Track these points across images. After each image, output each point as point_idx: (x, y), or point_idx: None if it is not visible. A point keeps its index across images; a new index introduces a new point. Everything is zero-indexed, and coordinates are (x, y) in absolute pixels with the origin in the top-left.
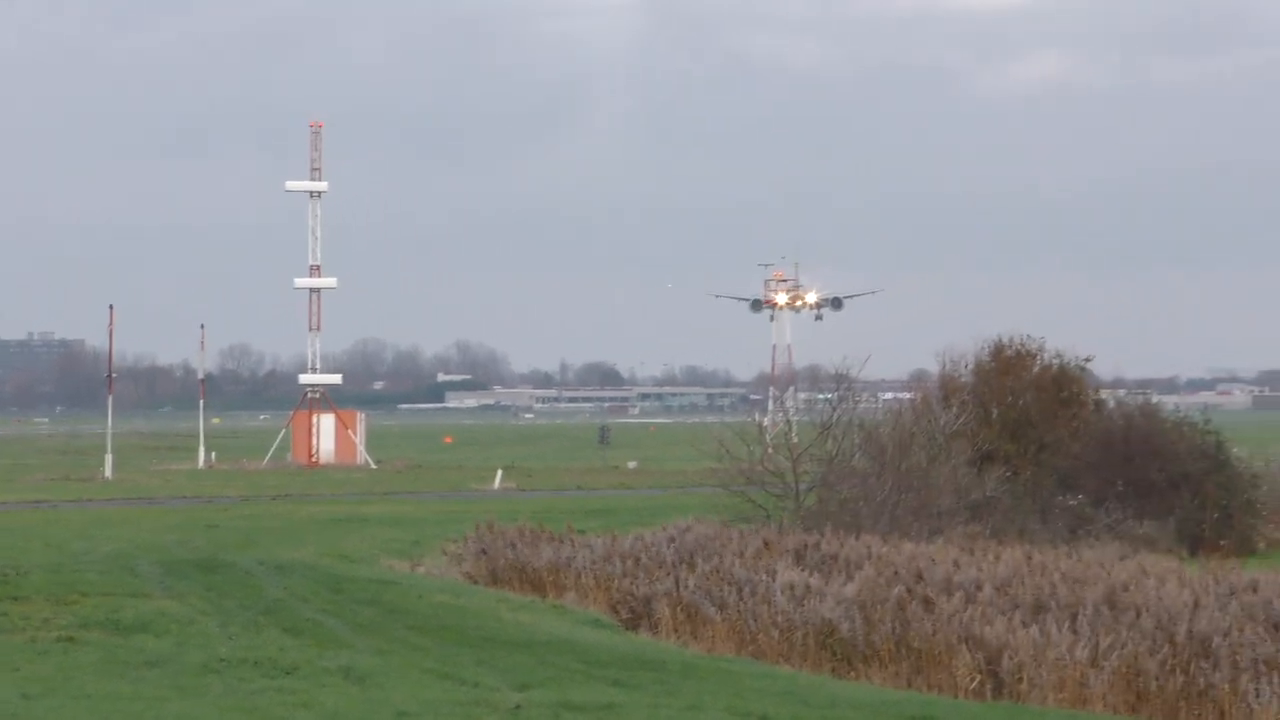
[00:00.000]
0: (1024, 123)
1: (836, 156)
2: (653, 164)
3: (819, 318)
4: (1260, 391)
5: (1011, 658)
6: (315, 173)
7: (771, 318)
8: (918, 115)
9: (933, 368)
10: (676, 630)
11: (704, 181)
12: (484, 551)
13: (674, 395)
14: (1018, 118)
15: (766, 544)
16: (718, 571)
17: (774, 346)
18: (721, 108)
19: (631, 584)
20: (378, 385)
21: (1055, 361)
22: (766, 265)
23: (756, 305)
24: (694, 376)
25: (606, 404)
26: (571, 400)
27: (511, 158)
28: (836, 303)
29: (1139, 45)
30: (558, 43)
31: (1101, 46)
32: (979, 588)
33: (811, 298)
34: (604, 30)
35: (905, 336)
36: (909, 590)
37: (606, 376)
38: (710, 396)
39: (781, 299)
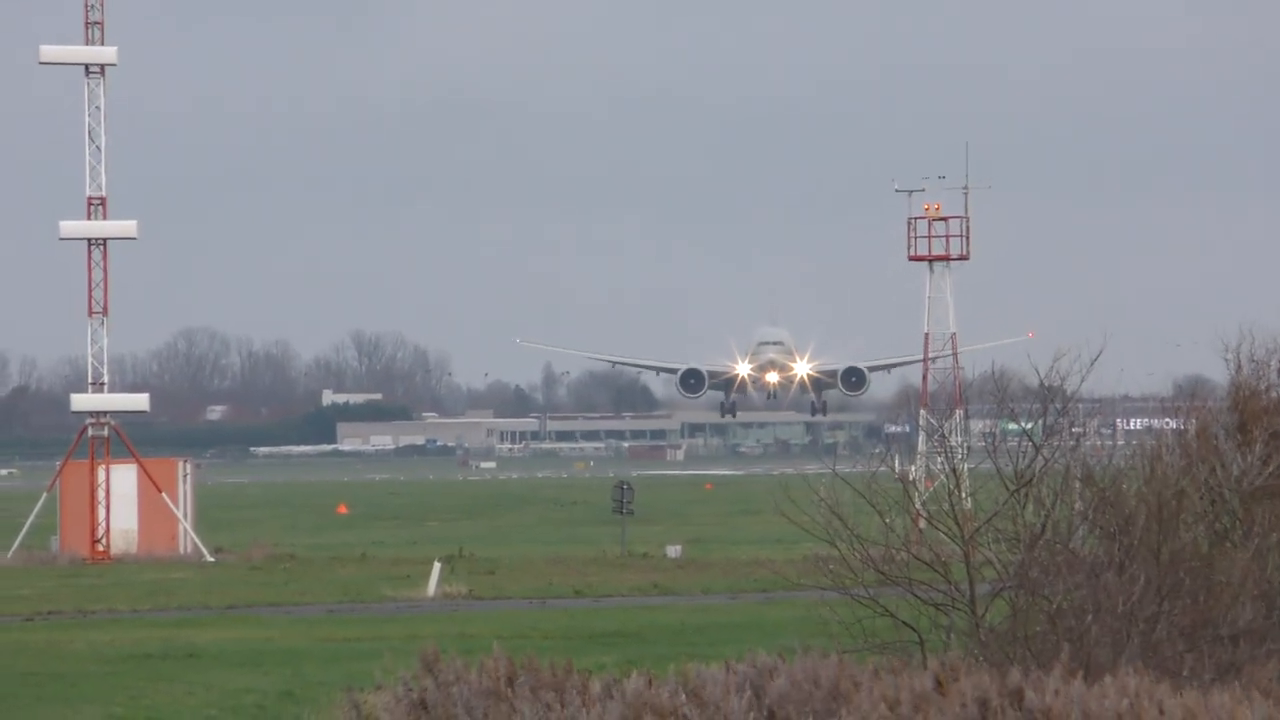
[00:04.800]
0: None
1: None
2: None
3: (819, 409)
4: None
5: None
6: (93, 30)
7: (726, 406)
8: None
9: (1217, 374)
10: None
11: (757, 53)
12: (423, 707)
13: (747, 426)
14: None
15: (940, 683)
16: None
17: (926, 335)
18: None
19: None
20: (214, 413)
21: None
22: (910, 192)
23: (693, 381)
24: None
25: (627, 442)
26: (564, 436)
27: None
28: (854, 378)
29: None
30: None
31: None
32: None
33: (804, 369)
34: None
35: (1162, 311)
36: None
37: (626, 394)
38: (812, 427)
39: (743, 369)
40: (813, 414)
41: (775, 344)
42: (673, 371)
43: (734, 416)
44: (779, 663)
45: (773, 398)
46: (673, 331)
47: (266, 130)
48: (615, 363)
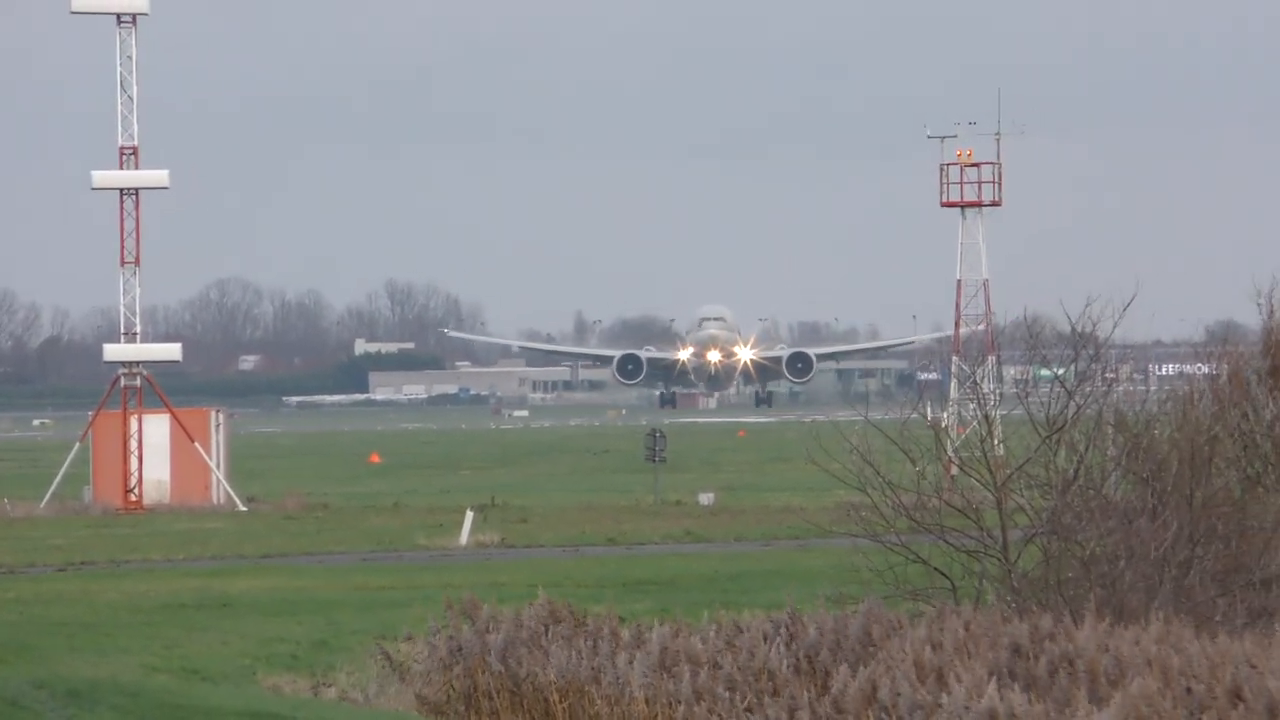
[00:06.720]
0: None
1: None
2: None
3: (764, 400)
4: None
5: None
6: None
7: (666, 396)
8: None
9: (1249, 318)
10: None
11: None
12: (459, 654)
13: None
14: None
15: (967, 629)
16: (870, 689)
17: (958, 282)
18: None
19: (712, 714)
20: (247, 363)
21: None
22: (942, 138)
23: (630, 368)
24: (814, 339)
25: (658, 389)
26: (595, 386)
27: None
28: (799, 364)
29: None
30: None
31: None
32: None
33: (747, 355)
34: None
35: (1194, 254)
36: None
37: (658, 342)
38: (842, 374)
39: (684, 354)
40: (756, 404)
41: (716, 319)
42: (607, 361)
43: (674, 407)
44: (815, 614)
45: (714, 379)
46: (697, 277)
47: (297, 79)
48: (549, 350)
